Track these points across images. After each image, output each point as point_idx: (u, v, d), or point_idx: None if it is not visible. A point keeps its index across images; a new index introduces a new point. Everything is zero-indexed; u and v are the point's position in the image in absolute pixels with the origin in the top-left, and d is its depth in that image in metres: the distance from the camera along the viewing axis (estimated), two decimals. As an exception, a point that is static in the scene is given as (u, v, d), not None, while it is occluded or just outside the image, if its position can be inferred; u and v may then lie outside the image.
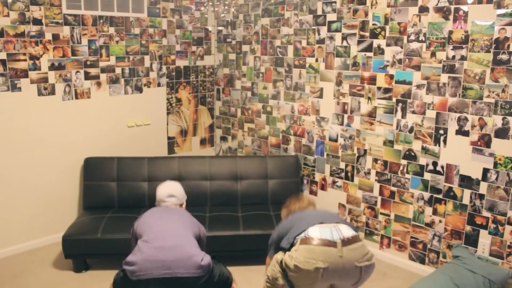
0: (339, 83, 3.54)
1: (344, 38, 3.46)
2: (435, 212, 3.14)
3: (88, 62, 3.69)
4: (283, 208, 2.56)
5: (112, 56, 3.82)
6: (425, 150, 3.13)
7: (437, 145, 3.07)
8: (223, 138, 4.65)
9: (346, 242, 2.01)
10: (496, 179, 2.83)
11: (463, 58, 2.88)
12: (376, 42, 3.28)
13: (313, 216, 2.19)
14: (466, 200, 2.98)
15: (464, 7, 2.83)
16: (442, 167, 3.06)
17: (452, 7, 2.88)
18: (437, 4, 2.95)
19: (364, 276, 2.08)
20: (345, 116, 3.54)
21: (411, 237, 3.29)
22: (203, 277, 2.00)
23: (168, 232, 2.10)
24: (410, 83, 3.14)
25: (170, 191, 2.50)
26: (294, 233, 2.10)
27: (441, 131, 3.04)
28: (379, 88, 3.32)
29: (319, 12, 3.59)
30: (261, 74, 4.14)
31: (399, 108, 3.23)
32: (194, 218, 2.43)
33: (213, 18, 4.51)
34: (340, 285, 2.11)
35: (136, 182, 3.61)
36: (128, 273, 1.98)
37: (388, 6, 3.18)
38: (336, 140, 3.63)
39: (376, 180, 3.42)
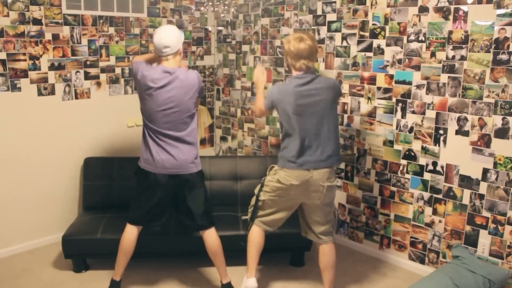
0: (339, 83, 3.54)
1: (344, 38, 3.46)
2: (435, 212, 3.14)
3: (88, 62, 3.69)
4: (285, 41, 2.63)
5: (112, 56, 3.82)
6: (425, 150, 3.14)
7: (437, 145, 3.07)
8: (223, 138, 4.65)
9: (318, 167, 2.57)
10: (496, 179, 2.83)
11: (463, 58, 2.88)
12: (376, 42, 3.28)
13: (306, 129, 2.58)
14: (466, 200, 2.98)
15: (464, 7, 2.83)
16: (442, 167, 3.06)
17: (452, 7, 2.88)
18: (437, 4, 2.95)
19: (327, 194, 2.61)
20: (345, 116, 3.54)
21: (411, 237, 3.29)
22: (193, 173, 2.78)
23: (173, 157, 2.72)
24: (410, 83, 3.14)
25: (165, 43, 2.63)
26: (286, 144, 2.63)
27: (441, 131, 3.04)
28: (379, 88, 3.32)
29: (319, 12, 3.59)
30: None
31: (399, 108, 3.23)
32: (189, 76, 2.70)
33: (213, 18, 4.51)
34: (308, 203, 2.67)
35: (136, 182, 3.61)
36: (144, 169, 2.76)
37: (388, 6, 3.18)
38: (336, 140, 3.63)
39: (376, 180, 3.42)
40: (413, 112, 3.15)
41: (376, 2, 3.23)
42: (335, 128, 2.65)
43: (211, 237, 2.87)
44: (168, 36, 2.63)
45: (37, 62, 3.41)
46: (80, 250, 3.16)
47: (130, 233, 2.85)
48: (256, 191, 2.80)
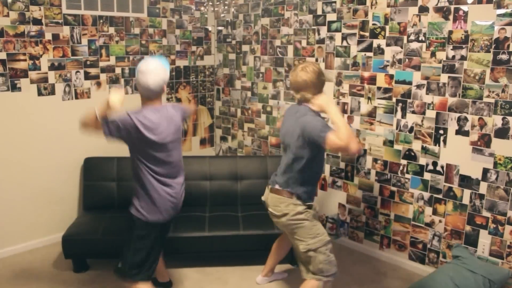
0: (339, 83, 3.54)
1: (344, 38, 3.46)
2: (435, 212, 3.14)
3: (88, 62, 3.69)
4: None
5: (112, 56, 3.82)
6: (425, 150, 3.14)
7: (437, 145, 3.07)
8: (223, 138, 4.65)
9: (271, 190, 2.64)
10: (496, 179, 2.83)
11: (463, 58, 2.88)
12: (376, 42, 3.28)
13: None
14: (466, 200, 2.98)
15: (464, 7, 2.83)
16: (442, 167, 3.06)
17: (452, 7, 2.88)
18: (437, 4, 2.95)
19: (278, 222, 2.66)
20: (345, 116, 3.54)
21: (411, 237, 3.29)
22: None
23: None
24: (410, 83, 3.14)
25: (148, 85, 2.36)
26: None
27: (441, 131, 3.04)
28: (379, 88, 3.32)
29: (319, 12, 3.59)
30: (261, 74, 4.14)
31: (399, 108, 3.23)
32: (177, 108, 2.61)
33: (213, 18, 4.51)
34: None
35: (136, 182, 3.61)
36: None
37: (388, 6, 3.18)
38: (336, 140, 3.63)
39: (376, 180, 3.42)
40: (413, 112, 3.15)
41: (376, 2, 3.23)
42: (292, 162, 2.54)
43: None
44: (152, 79, 2.36)
45: (37, 62, 3.41)
46: (80, 250, 3.16)
47: None
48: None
